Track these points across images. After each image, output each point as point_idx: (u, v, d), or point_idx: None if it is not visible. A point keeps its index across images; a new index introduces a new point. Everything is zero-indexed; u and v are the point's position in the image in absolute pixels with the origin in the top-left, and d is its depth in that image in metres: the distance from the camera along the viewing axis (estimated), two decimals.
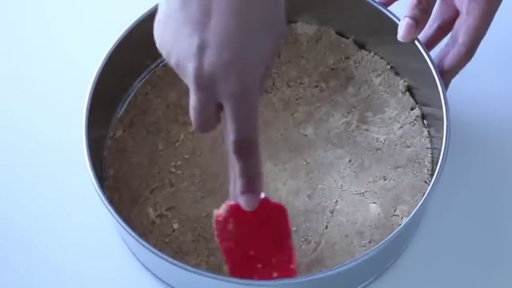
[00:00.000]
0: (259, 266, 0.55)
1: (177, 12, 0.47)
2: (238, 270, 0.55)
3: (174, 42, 0.47)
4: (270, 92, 0.68)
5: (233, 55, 0.46)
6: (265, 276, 0.55)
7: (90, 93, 0.61)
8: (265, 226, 0.54)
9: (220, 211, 0.53)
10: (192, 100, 0.48)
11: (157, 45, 0.49)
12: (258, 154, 0.49)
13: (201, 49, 0.46)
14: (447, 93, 0.60)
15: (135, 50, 0.65)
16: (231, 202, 0.53)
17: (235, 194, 0.51)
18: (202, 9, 0.46)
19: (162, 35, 0.48)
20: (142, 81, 0.69)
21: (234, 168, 0.50)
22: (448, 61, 0.62)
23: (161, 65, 0.69)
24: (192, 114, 0.49)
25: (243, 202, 0.51)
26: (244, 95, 0.47)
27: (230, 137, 0.48)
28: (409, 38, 0.61)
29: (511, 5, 0.70)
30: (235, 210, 0.53)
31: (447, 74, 0.62)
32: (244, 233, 0.54)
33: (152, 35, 0.66)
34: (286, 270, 0.55)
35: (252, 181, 0.50)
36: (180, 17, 0.46)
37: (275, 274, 0.55)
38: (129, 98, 0.68)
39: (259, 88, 0.48)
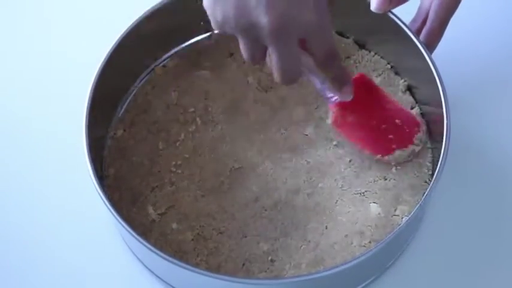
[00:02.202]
0: (384, 126, 0.62)
1: None
2: (380, 149, 0.63)
3: (239, 5, 0.50)
4: (270, 92, 0.68)
5: None
6: (392, 128, 0.62)
7: (90, 93, 0.61)
8: (364, 97, 0.61)
9: (332, 117, 0.61)
10: (276, 55, 0.51)
11: (219, 19, 0.51)
12: (339, 55, 0.56)
13: (271, 0, 0.49)
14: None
15: (135, 50, 0.65)
16: (331, 105, 0.60)
17: (334, 95, 0.59)
18: None
19: (223, 5, 0.50)
20: (143, 81, 0.69)
21: (322, 78, 0.57)
22: (423, 38, 0.64)
23: (161, 65, 0.69)
24: (280, 69, 0.52)
25: (343, 96, 0.59)
26: (321, 20, 0.52)
27: (317, 57, 0.54)
28: (382, 10, 0.64)
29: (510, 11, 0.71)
30: (340, 107, 0.60)
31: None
32: (359, 115, 0.61)
33: (152, 34, 0.67)
34: (400, 112, 0.63)
35: (342, 76, 0.58)
36: None
37: (397, 121, 0.63)
38: (130, 98, 0.68)
39: (328, 10, 0.53)
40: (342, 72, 0.57)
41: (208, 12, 0.52)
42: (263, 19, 0.49)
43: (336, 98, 0.59)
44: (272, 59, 0.52)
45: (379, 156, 0.63)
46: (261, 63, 0.54)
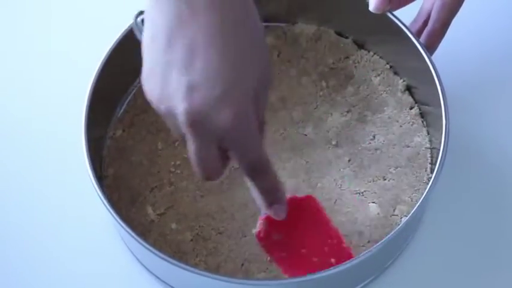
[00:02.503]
0: (315, 259, 0.57)
1: (161, 57, 0.46)
2: (298, 273, 0.56)
3: (162, 88, 0.47)
4: (269, 92, 0.68)
5: (222, 90, 0.46)
6: (325, 266, 0.55)
7: (89, 93, 0.61)
8: (303, 221, 0.56)
9: (258, 228, 0.56)
10: (192, 148, 0.48)
11: (147, 96, 0.48)
12: (270, 169, 0.50)
13: (190, 90, 0.45)
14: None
15: (134, 50, 0.65)
16: (263, 216, 0.55)
17: (263, 209, 0.54)
18: (186, 49, 0.45)
19: (150, 85, 0.47)
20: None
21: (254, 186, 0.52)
22: (424, 39, 0.64)
23: None
24: (196, 163, 0.48)
25: (273, 214, 0.53)
26: (241, 124, 0.47)
27: (239, 164, 0.49)
28: (380, 10, 0.63)
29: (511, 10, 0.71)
30: (270, 221, 0.55)
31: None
32: (289, 237, 0.56)
33: None
34: (341, 251, 0.58)
35: (273, 194, 0.52)
36: (165, 62, 0.46)
37: (332, 260, 0.57)
38: (129, 98, 0.68)
39: (254, 112, 0.48)
40: (273, 189, 0.52)
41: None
42: (179, 108, 0.45)
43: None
44: (188, 150, 0.48)
45: None
46: None
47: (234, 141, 0.47)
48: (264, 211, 0.54)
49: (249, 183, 0.52)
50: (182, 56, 0.45)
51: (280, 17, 0.70)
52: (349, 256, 0.58)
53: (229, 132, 0.47)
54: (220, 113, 0.46)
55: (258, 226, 0.57)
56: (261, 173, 0.50)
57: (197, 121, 0.46)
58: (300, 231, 0.56)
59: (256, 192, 0.53)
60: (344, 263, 0.55)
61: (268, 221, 0.55)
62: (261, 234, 0.56)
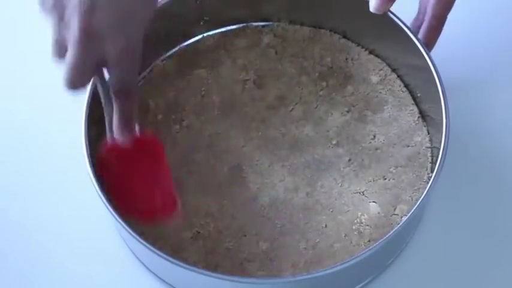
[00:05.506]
0: (143, 205, 0.59)
1: None
2: (124, 208, 0.57)
3: None
4: (268, 90, 0.68)
5: (121, 16, 0.50)
6: (149, 215, 0.59)
7: (89, 93, 0.61)
8: (143, 163, 0.58)
9: (103, 150, 0.57)
10: (71, 55, 0.50)
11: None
12: (135, 95, 0.54)
13: (92, 7, 0.49)
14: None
15: None
16: (107, 143, 0.56)
17: (113, 130, 0.55)
18: None
19: None
20: (141, 81, 0.69)
21: (112, 107, 0.54)
22: (422, 36, 0.64)
23: (160, 64, 0.69)
24: (68, 69, 0.51)
25: (120, 137, 0.55)
26: (130, 51, 0.52)
27: (111, 82, 0.53)
28: (381, 10, 0.63)
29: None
30: (114, 148, 0.56)
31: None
32: (125, 170, 0.57)
33: (151, 34, 0.66)
34: (168, 199, 0.59)
35: (129, 119, 0.55)
36: None
37: (158, 215, 0.59)
38: None
39: (140, 47, 0.53)
40: (130, 113, 0.55)
41: None
42: (75, 21, 0.49)
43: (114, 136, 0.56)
44: (68, 53, 0.51)
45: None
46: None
47: (118, 63, 0.51)
48: (115, 134, 0.55)
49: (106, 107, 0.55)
50: None
51: (278, 16, 0.71)
52: (171, 193, 0.58)
53: (117, 54, 0.51)
54: (115, 36, 0.50)
55: (104, 149, 0.57)
56: (127, 95, 0.53)
57: (90, 36, 0.49)
58: (137, 171, 0.58)
59: (116, 117, 0.54)
60: (344, 262, 0.55)
61: (112, 147, 0.56)
62: (102, 159, 0.57)
